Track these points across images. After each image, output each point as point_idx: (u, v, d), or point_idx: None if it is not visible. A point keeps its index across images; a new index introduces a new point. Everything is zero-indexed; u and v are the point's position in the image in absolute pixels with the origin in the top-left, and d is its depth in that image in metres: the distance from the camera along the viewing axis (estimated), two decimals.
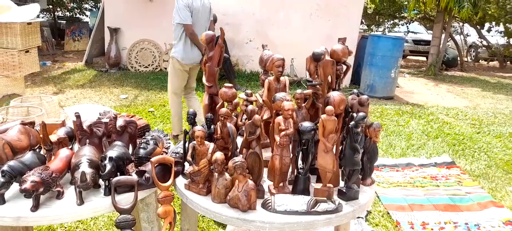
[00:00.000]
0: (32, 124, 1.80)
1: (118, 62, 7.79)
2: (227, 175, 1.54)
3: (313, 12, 7.53)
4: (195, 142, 1.59)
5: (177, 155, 1.85)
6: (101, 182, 1.59)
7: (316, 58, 1.77)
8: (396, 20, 13.88)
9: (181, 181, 1.72)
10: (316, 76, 1.84)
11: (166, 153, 1.91)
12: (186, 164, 1.79)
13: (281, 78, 1.82)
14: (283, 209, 1.48)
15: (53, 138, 1.72)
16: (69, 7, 12.17)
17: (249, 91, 1.78)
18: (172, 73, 4.08)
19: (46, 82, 6.72)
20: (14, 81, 4.59)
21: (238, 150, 1.73)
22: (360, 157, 1.59)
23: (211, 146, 1.59)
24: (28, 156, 1.54)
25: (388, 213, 3.07)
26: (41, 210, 1.43)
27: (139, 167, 1.71)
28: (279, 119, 1.58)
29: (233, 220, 1.47)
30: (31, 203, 1.44)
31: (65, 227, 2.66)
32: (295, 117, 1.62)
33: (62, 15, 12.06)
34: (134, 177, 1.59)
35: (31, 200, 1.43)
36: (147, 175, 1.63)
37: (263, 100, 1.82)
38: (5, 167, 1.43)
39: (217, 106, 1.83)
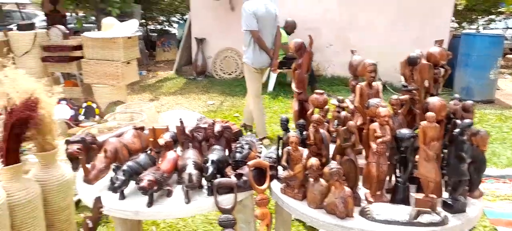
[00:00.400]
0: (142, 128, 2.02)
1: (204, 70, 8.26)
2: (322, 181, 1.56)
3: (398, 13, 7.17)
4: (289, 147, 1.64)
5: (271, 159, 1.91)
6: (203, 182, 1.72)
7: (411, 62, 1.71)
8: (493, 16, 12.53)
9: (276, 185, 1.77)
10: (411, 81, 1.77)
11: (259, 157, 1.99)
12: (280, 168, 1.85)
13: (374, 83, 1.79)
14: (383, 218, 1.45)
15: (161, 141, 1.90)
16: (160, 21, 13.21)
17: (340, 97, 1.78)
18: (248, 78, 4.34)
19: (143, 90, 7.39)
20: (118, 89, 5.11)
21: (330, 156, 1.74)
22: (466, 167, 1.49)
23: (305, 151, 1.63)
24: (142, 157, 1.73)
25: (496, 229, 2.80)
26: (155, 206, 1.60)
27: (236, 170, 1.81)
28: (375, 125, 1.55)
29: (331, 226, 1.48)
30: (145, 200, 1.61)
31: (167, 223, 2.90)
32: (391, 123, 1.58)
33: (153, 28, 13.14)
34: (233, 179, 1.69)
35: (146, 197, 1.60)
36: (244, 177, 1.72)
37: (355, 107, 1.81)
38: (125, 167, 1.63)
39: (308, 112, 1.86)
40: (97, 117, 5.01)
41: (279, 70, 6.83)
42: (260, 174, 1.76)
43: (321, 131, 1.61)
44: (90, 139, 1.78)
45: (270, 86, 6.86)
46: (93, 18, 10.21)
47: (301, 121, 1.74)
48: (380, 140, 1.50)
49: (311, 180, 1.57)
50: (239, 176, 1.72)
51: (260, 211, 1.68)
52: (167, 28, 13.11)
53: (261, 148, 2.07)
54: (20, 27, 5.07)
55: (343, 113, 1.61)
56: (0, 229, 2.19)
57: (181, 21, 12.92)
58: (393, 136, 1.55)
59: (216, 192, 1.64)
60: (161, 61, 11.05)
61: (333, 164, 1.48)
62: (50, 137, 2.53)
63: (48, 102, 2.42)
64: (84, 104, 5.07)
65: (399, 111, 1.64)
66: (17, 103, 2.27)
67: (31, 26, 5.09)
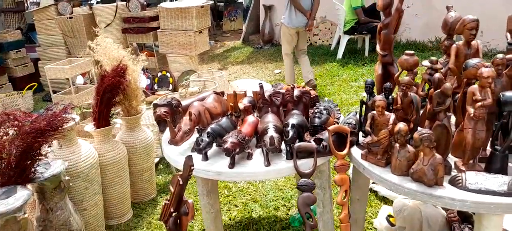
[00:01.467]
0: (222, 93, 2.07)
1: (271, 38, 8.22)
2: (409, 147, 1.48)
3: None
4: (374, 111, 1.57)
5: (350, 125, 1.85)
6: (282, 147, 1.72)
7: None
8: None
9: (355, 151, 1.73)
10: None
11: (338, 123, 1.94)
12: (361, 134, 1.79)
13: (473, 42, 1.63)
14: (477, 187, 1.35)
15: (240, 105, 1.93)
16: None
17: (434, 58, 1.64)
18: (282, 38, 5.02)
19: (212, 60, 7.59)
20: (190, 59, 5.30)
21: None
22: None
23: (392, 116, 1.55)
24: (224, 121, 1.78)
25: None
26: (236, 168, 1.64)
27: (314, 135, 1.79)
28: (474, 87, 1.42)
29: (417, 194, 1.41)
30: (226, 162, 1.67)
31: (239, 187, 3.00)
32: (493, 86, 1.43)
33: None
34: (313, 144, 1.67)
35: (228, 159, 1.66)
36: (324, 143, 1.69)
37: (449, 68, 1.67)
38: (209, 129, 1.69)
39: (395, 75, 1.75)
40: (171, 86, 5.28)
41: (349, 36, 6.58)
42: (339, 140, 1.73)
43: (412, 94, 1.51)
44: (176, 103, 1.87)
45: (340, 54, 6.64)
46: None
47: (388, 84, 1.65)
48: (479, 103, 1.37)
49: (397, 145, 1.49)
50: (318, 141, 1.70)
51: (340, 176, 1.65)
52: None
53: (339, 114, 2.02)
54: (103, 1, 5.41)
55: (437, 75, 1.49)
56: (93, 185, 2.44)
57: None
58: (495, 100, 1.40)
59: (296, 156, 1.64)
60: (228, 31, 11.19)
61: (424, 129, 1.38)
62: (135, 102, 2.72)
63: (134, 69, 2.59)
64: (159, 74, 5.35)
65: (503, 72, 1.47)
66: (108, 70, 2.46)
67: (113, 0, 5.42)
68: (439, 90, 1.45)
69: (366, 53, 6.61)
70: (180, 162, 1.76)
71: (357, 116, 1.97)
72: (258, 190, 2.93)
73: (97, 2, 5.82)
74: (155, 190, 3.07)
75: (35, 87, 5.47)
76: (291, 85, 1.94)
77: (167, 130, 1.92)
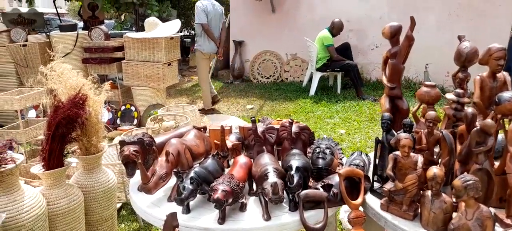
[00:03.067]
0: (204, 129, 1.73)
1: (241, 74, 8.01)
2: (445, 197, 1.21)
3: (452, 12, 6.66)
4: (398, 152, 1.30)
5: (358, 167, 1.57)
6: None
7: None
8: None
9: (372, 200, 1.44)
10: None
11: (342, 165, 1.66)
12: (374, 178, 1.51)
13: (499, 74, 1.43)
14: None
15: (228, 144, 1.61)
16: (194, 26, 13.14)
17: (460, 90, 1.42)
18: (199, 63, 5.65)
19: (179, 94, 7.22)
20: (157, 92, 4.93)
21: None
22: None
23: (419, 158, 1.28)
24: (209, 162, 1.43)
25: None
26: (227, 223, 1.29)
27: (318, 180, 1.49)
28: None
29: None
30: (214, 215, 1.32)
31: None
32: None
33: (187, 33, 13.09)
34: (323, 191, 1.37)
35: (216, 211, 1.31)
36: (334, 189, 1.39)
37: (474, 103, 1.45)
38: (192, 174, 1.33)
39: (413, 110, 1.51)
40: (135, 121, 4.84)
41: (321, 73, 6.50)
42: (352, 186, 1.43)
43: (444, 131, 1.26)
44: (148, 140, 1.50)
45: (312, 90, 6.51)
46: (129, 24, 10.23)
47: (408, 119, 1.39)
48: None
49: (429, 194, 1.22)
50: (328, 187, 1.40)
51: None
52: None
53: (341, 153, 1.74)
54: (62, 28, 4.98)
55: (470, 110, 1.25)
56: None
57: None
58: None
59: (302, 207, 1.32)
60: (195, 66, 10.92)
61: (468, 176, 1.12)
62: (96, 138, 2.30)
63: (95, 100, 2.20)
64: (123, 108, 4.91)
65: None
66: (63, 100, 2.05)
67: (73, 27, 4.99)
68: (478, 128, 1.20)
69: (338, 91, 6.53)
70: (153, 215, 1.39)
71: (363, 156, 1.70)
72: None
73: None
74: None
75: None
76: (289, 120, 1.64)
77: (137, 173, 1.54)
